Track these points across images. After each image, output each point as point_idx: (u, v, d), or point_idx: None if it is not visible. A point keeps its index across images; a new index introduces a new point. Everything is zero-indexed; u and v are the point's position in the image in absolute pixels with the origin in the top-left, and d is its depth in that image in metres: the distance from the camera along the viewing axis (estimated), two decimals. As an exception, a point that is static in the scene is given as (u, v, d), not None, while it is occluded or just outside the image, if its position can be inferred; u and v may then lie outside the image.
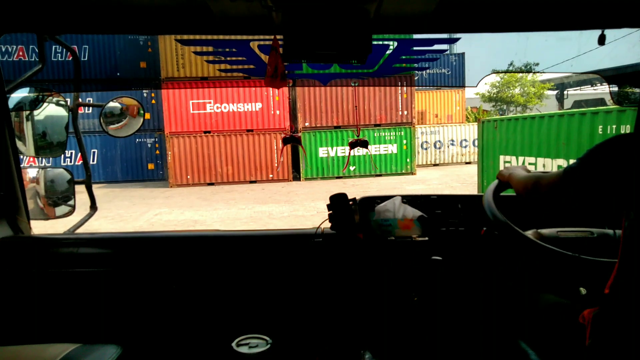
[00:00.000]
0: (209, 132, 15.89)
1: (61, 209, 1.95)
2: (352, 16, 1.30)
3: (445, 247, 1.73)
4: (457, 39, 1.70)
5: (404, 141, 16.84)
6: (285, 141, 1.87)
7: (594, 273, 1.27)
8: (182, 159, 15.76)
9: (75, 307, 1.78)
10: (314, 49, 1.33)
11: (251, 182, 16.14)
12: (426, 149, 19.77)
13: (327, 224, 1.78)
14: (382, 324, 1.78)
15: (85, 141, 19.44)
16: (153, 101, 17.53)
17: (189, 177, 15.85)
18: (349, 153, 2.17)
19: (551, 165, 6.98)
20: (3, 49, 15.68)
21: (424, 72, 21.26)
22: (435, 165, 19.61)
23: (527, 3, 1.46)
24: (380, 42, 1.70)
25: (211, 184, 15.94)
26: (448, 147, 19.84)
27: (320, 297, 1.79)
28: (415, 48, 1.73)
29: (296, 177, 16.62)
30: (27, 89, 1.85)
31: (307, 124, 16.36)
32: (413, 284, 1.75)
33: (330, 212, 1.75)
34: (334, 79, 1.79)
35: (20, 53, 16.34)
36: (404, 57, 1.73)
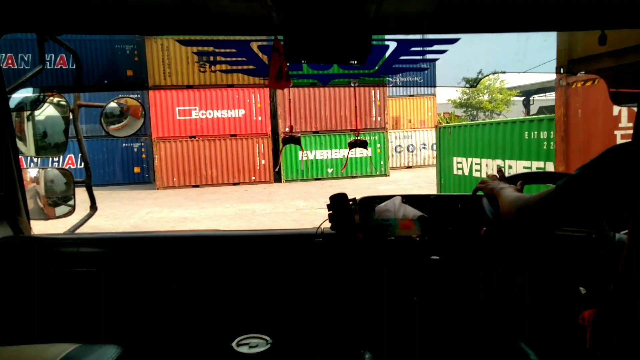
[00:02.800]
0: (194, 137, 16.71)
1: (61, 209, 1.95)
2: (352, 16, 1.30)
3: (445, 247, 1.72)
4: (457, 39, 1.66)
5: (378, 145, 17.84)
6: (285, 141, 1.88)
7: (593, 273, 1.27)
8: (169, 163, 16.47)
9: (75, 307, 1.77)
10: (314, 49, 1.33)
11: (234, 184, 16.92)
12: (399, 152, 20.87)
13: (327, 224, 1.77)
14: (382, 324, 1.78)
15: (70, 146, 20.08)
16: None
17: (175, 179, 16.55)
18: (348, 153, 2.24)
19: (492, 165, 8.23)
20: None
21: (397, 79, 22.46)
22: (408, 167, 20.53)
23: (527, 3, 1.46)
24: (380, 42, 1.68)
25: (196, 186, 16.57)
26: (420, 150, 20.81)
27: (321, 297, 1.79)
28: (414, 49, 1.73)
29: (277, 179, 17.60)
30: (28, 89, 1.83)
31: (287, 129, 17.34)
32: (413, 284, 1.75)
33: (330, 212, 1.75)
34: (333, 79, 1.79)
35: (10, 61, 16.96)
36: (403, 57, 1.72)
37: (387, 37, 1.66)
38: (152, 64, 15.80)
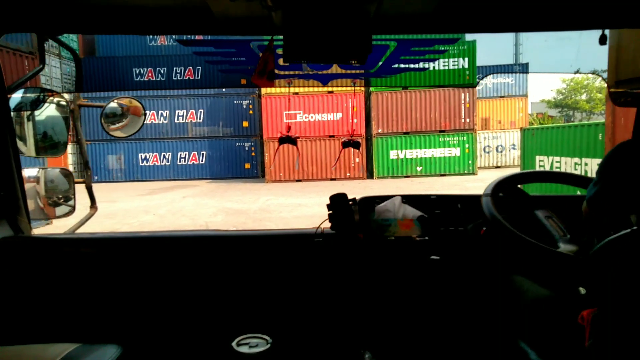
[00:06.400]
0: (298, 137, 19.01)
1: (61, 209, 1.94)
2: (352, 16, 1.28)
3: (445, 247, 1.71)
4: (457, 39, 1.60)
5: (466, 145, 18.66)
6: (281, 141, 1.90)
7: (592, 273, 1.26)
8: (276, 160, 18.75)
9: (75, 307, 1.77)
10: (314, 49, 1.32)
11: (331, 179, 18.54)
12: (488, 152, 21.15)
13: (327, 224, 1.76)
14: (382, 324, 1.77)
15: (196, 145, 23.17)
16: (251, 111, 21.09)
17: (281, 174, 18.49)
18: (340, 152, 2.57)
19: (570, 162, 9.17)
20: None
21: (488, 81, 22.92)
22: (497, 167, 20.87)
23: (527, 3, 1.45)
24: (380, 42, 1.67)
25: (298, 180, 18.33)
26: (509, 150, 21.03)
27: (321, 297, 1.78)
28: (414, 48, 1.71)
29: (369, 176, 19.28)
30: (28, 89, 1.83)
31: (379, 130, 18.90)
32: (413, 284, 1.74)
33: (330, 212, 1.74)
34: (333, 79, 1.78)
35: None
36: (403, 57, 1.71)
37: (387, 37, 1.64)
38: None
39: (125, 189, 17.46)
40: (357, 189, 15.04)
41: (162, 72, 21.14)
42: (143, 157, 21.50)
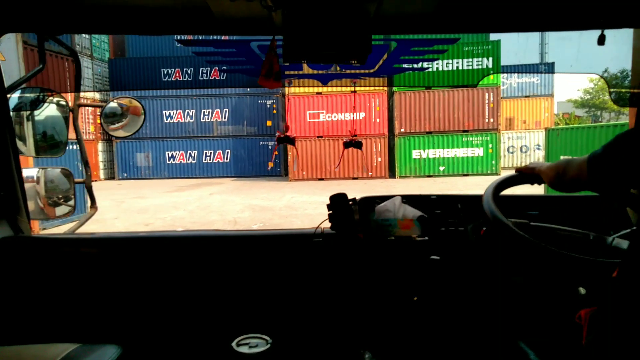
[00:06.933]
0: (321, 136, 19.27)
1: (61, 209, 1.94)
2: (352, 16, 1.29)
3: (445, 247, 1.71)
4: (457, 39, 1.65)
5: (490, 145, 18.71)
6: (279, 141, 1.88)
7: (593, 273, 1.25)
8: (299, 158, 19.08)
9: (75, 307, 1.77)
10: (314, 49, 1.32)
11: (353, 178, 18.95)
12: (512, 152, 21.19)
13: (327, 224, 1.76)
14: (382, 324, 1.77)
15: (220, 143, 23.68)
16: (274, 111, 21.51)
17: (304, 173, 19.02)
18: (343, 152, 2.39)
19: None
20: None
21: (513, 81, 22.74)
22: None
23: (527, 3, 1.45)
24: (380, 42, 1.66)
25: (321, 179, 18.90)
26: (534, 151, 20.98)
27: (320, 297, 1.78)
28: (414, 48, 1.71)
29: (391, 175, 19.44)
30: (28, 89, 1.83)
31: (402, 130, 19.04)
32: (413, 284, 1.74)
33: (330, 212, 1.75)
34: (333, 79, 1.77)
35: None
36: (403, 57, 1.71)
37: (387, 37, 1.63)
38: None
39: (153, 186, 17.95)
40: (379, 188, 15.17)
41: (189, 72, 21.68)
42: (170, 155, 22.15)
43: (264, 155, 21.84)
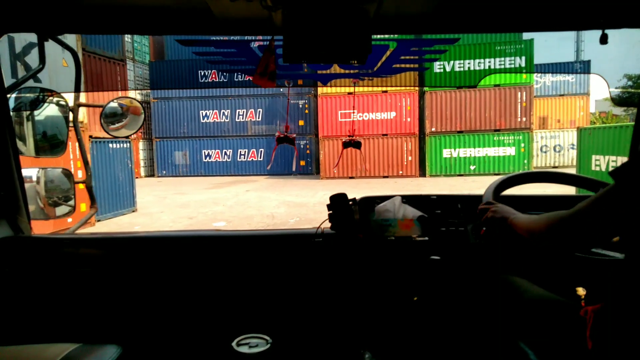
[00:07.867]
0: (352, 136, 19.62)
1: (61, 209, 1.93)
2: (351, 16, 1.29)
3: (445, 247, 1.71)
4: (457, 39, 1.65)
5: (522, 144, 18.60)
6: (279, 141, 1.89)
7: (592, 273, 1.23)
8: (331, 157, 19.46)
9: (75, 307, 1.77)
10: (314, 49, 1.32)
11: (384, 176, 19.23)
12: (545, 152, 20.91)
13: (327, 224, 1.76)
14: (382, 324, 1.78)
15: (254, 142, 24.31)
16: (306, 111, 21.98)
17: (335, 171, 19.28)
18: (342, 152, 2.48)
19: (619, 160, 9.22)
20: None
21: (547, 79, 22.46)
22: (554, 167, 20.31)
23: (527, 3, 1.44)
24: (380, 42, 1.66)
25: (352, 177, 19.17)
26: (568, 150, 20.71)
27: (321, 297, 1.78)
28: (414, 48, 1.71)
29: (421, 174, 19.60)
30: (28, 89, 1.82)
31: (433, 129, 19.14)
32: (413, 284, 1.74)
33: (330, 212, 1.75)
34: (334, 79, 1.78)
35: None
36: (403, 57, 1.71)
37: (387, 37, 1.63)
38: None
39: (191, 183, 18.45)
40: (409, 186, 15.43)
41: (224, 74, 22.52)
42: (206, 153, 22.79)
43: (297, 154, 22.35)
